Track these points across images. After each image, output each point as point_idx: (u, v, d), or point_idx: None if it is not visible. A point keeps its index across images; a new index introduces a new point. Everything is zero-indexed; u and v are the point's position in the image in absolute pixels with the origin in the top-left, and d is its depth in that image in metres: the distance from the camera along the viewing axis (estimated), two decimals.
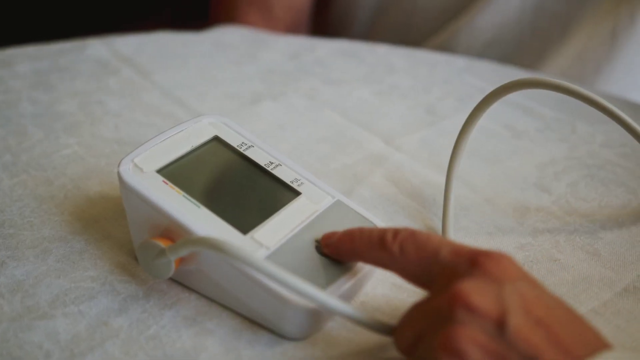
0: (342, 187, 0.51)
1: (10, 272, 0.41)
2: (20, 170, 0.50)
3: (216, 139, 0.45)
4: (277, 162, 0.44)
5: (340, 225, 0.42)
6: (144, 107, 0.60)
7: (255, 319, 0.39)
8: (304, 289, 0.35)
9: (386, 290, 0.42)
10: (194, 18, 0.97)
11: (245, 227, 0.40)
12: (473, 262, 0.34)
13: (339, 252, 0.39)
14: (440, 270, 0.35)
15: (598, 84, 0.83)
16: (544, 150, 0.57)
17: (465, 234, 0.47)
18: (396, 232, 0.37)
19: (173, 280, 0.41)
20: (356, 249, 0.38)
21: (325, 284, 0.38)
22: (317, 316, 0.38)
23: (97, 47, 0.69)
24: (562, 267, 0.45)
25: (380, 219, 0.43)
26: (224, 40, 0.73)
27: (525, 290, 0.33)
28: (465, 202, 0.50)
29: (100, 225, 0.46)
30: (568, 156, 0.56)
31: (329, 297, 0.36)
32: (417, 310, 0.35)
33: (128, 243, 0.44)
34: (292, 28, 0.84)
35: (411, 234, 0.36)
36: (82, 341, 0.37)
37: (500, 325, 0.31)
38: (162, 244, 0.39)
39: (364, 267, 0.40)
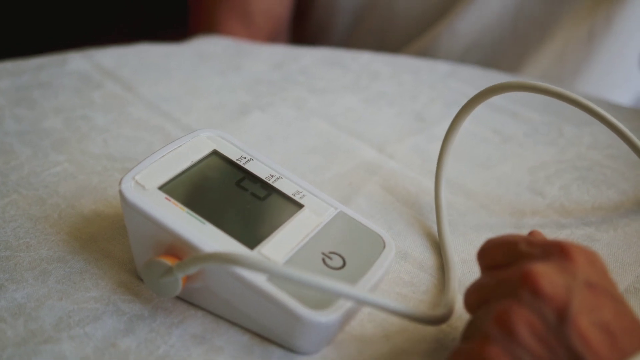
0: (338, 197, 0.51)
1: (11, 295, 0.40)
2: (11, 190, 0.49)
3: (215, 153, 0.44)
4: (277, 175, 0.44)
5: (345, 236, 0.42)
6: (131, 121, 0.59)
7: (265, 335, 0.39)
8: (335, 287, 0.35)
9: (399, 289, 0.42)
10: (171, 28, 0.96)
11: (251, 242, 0.39)
12: (564, 250, 0.34)
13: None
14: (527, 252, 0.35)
15: (577, 85, 0.84)
16: (534, 154, 0.58)
17: (463, 240, 0.48)
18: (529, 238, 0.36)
19: (178, 298, 0.41)
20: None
21: (335, 296, 0.38)
22: (328, 329, 0.38)
23: (78, 61, 0.68)
24: None
25: (384, 230, 0.43)
26: (206, 51, 0.73)
27: (600, 290, 0.32)
28: (461, 208, 0.51)
29: (99, 244, 0.45)
30: (558, 159, 0.57)
31: (365, 293, 0.36)
32: (490, 276, 0.35)
33: (129, 261, 0.44)
34: (273, 36, 0.84)
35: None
36: None
37: (560, 315, 0.31)
38: (169, 262, 0.38)
39: (373, 278, 0.40)
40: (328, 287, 0.35)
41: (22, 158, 0.53)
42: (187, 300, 0.41)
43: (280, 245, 0.40)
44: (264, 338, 0.39)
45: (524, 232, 0.48)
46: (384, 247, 0.42)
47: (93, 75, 0.65)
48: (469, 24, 0.81)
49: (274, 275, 0.35)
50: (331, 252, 0.41)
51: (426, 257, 0.46)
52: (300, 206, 0.43)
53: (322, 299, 0.37)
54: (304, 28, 0.90)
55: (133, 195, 0.40)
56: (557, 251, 0.34)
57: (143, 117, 0.59)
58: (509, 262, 0.35)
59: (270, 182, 0.44)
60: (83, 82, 0.64)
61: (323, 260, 0.40)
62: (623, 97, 0.91)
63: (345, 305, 0.38)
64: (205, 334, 0.39)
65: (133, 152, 0.54)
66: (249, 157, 0.45)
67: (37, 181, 0.50)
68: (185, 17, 0.89)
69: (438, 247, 0.47)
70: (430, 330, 0.40)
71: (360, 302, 0.36)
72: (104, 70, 0.66)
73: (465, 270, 0.45)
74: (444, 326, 0.40)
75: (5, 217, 0.47)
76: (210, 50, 0.73)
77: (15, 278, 0.42)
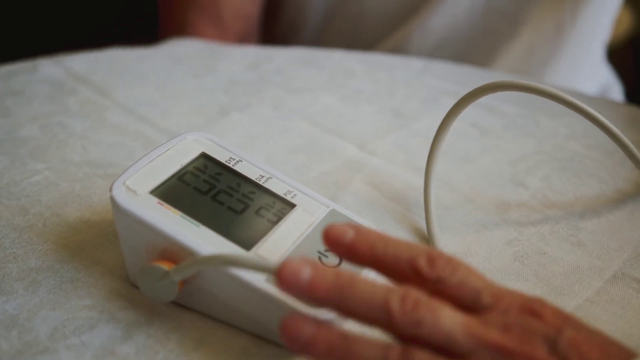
0: (325, 196, 0.50)
1: (1, 307, 0.40)
2: None
3: (204, 155, 0.44)
4: (267, 175, 0.44)
5: None
6: (110, 127, 0.58)
7: (264, 335, 0.39)
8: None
9: None
10: (140, 31, 0.95)
11: (247, 243, 0.39)
12: (526, 310, 0.33)
13: (351, 256, 0.36)
14: (481, 308, 0.33)
15: (545, 78, 0.86)
16: (513, 146, 0.59)
17: (452, 234, 0.48)
18: (431, 258, 0.34)
19: (173, 302, 0.40)
20: (377, 260, 0.35)
21: None
22: None
23: (49, 67, 0.67)
24: (552, 260, 0.46)
25: (375, 226, 0.43)
26: (179, 54, 0.72)
27: (574, 335, 0.32)
28: (447, 202, 0.51)
29: (88, 252, 0.44)
30: (537, 151, 0.58)
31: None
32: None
33: (120, 268, 0.43)
34: (243, 37, 0.83)
35: (450, 261, 0.34)
36: None
37: None
38: (165, 266, 0.38)
39: (368, 275, 0.40)
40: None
41: (0, 167, 0.52)
42: (182, 304, 0.40)
43: (276, 245, 0.40)
44: (263, 340, 0.39)
45: (512, 224, 0.49)
46: None
47: (66, 82, 0.64)
48: (440, 20, 0.82)
49: (274, 275, 0.35)
50: (327, 250, 0.40)
51: None
52: (292, 206, 0.43)
53: None
54: (274, 28, 0.90)
55: (125, 200, 0.39)
56: (517, 311, 0.33)
57: (121, 122, 0.59)
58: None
59: (261, 182, 0.43)
60: (56, 88, 0.63)
61: (320, 258, 0.40)
62: (589, 88, 0.92)
63: None
64: (203, 338, 0.39)
65: (114, 158, 0.54)
66: (237, 159, 0.44)
67: (18, 190, 0.50)
68: (153, 20, 0.88)
69: (427, 241, 0.47)
70: None
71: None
72: (77, 76, 0.65)
73: None
74: None
75: None
76: (183, 53, 0.72)
77: (5, 289, 0.41)
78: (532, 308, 0.33)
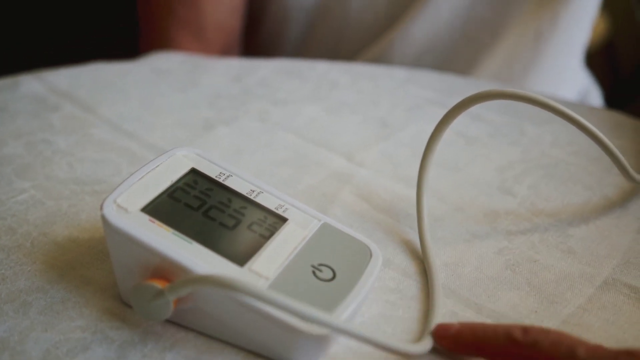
0: (314, 209, 0.50)
1: None
2: None
3: (193, 171, 0.44)
4: (258, 190, 0.44)
5: (332, 248, 0.42)
6: (95, 143, 0.58)
7: (260, 352, 0.38)
8: (334, 323, 0.35)
9: (381, 309, 0.42)
10: (119, 45, 0.95)
11: (240, 259, 0.39)
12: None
13: (457, 345, 0.39)
14: None
15: (526, 84, 0.86)
16: (499, 154, 0.59)
17: (443, 243, 0.48)
18: (524, 327, 0.37)
19: (167, 321, 0.40)
20: (479, 343, 0.38)
21: (331, 308, 0.38)
22: (325, 341, 0.38)
23: (31, 83, 0.66)
24: (543, 268, 0.46)
25: (368, 239, 0.43)
26: (162, 67, 0.72)
27: None
28: (436, 213, 0.51)
29: (78, 271, 0.44)
30: (523, 158, 0.58)
31: (358, 329, 0.36)
32: None
33: (111, 287, 0.42)
34: (225, 50, 0.83)
35: (543, 331, 0.37)
36: None
37: None
38: (159, 285, 0.37)
39: (364, 287, 0.40)
40: (321, 320, 0.35)
41: None
42: (176, 322, 0.40)
43: (270, 261, 0.40)
44: (259, 355, 0.38)
45: (502, 233, 0.49)
46: (371, 256, 0.42)
47: (49, 98, 0.64)
48: (421, 29, 0.82)
49: (268, 302, 0.35)
50: (320, 265, 0.40)
51: (408, 263, 0.46)
52: (284, 220, 0.43)
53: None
54: (255, 39, 0.90)
55: (116, 219, 0.39)
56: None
57: (107, 138, 0.58)
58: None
59: (251, 197, 0.43)
60: (39, 104, 0.63)
61: (313, 272, 0.40)
62: (569, 93, 0.93)
63: (343, 315, 0.38)
64: (199, 356, 0.38)
65: (101, 175, 0.53)
66: (227, 174, 0.44)
67: (4, 210, 0.49)
68: (133, 33, 0.87)
69: (418, 252, 0.47)
70: None
71: (352, 336, 0.36)
72: (60, 92, 0.65)
73: (448, 274, 0.45)
74: None
75: None
76: (166, 67, 0.72)
77: None
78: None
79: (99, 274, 0.43)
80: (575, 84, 0.95)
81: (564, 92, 0.91)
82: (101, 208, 0.39)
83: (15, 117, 0.60)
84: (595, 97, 0.98)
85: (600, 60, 1.70)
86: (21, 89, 0.65)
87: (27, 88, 0.65)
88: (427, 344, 0.39)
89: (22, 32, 1.31)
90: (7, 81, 0.66)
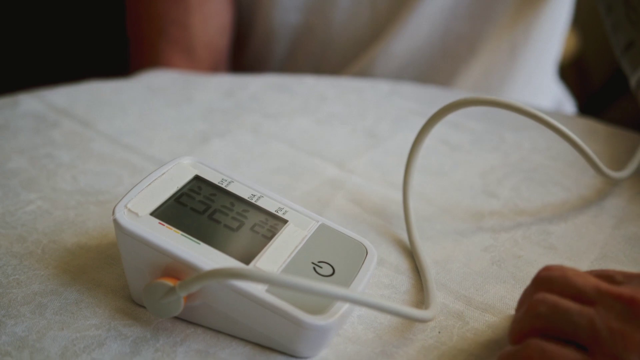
0: None
1: (10, 330, 0.41)
2: None
3: (197, 178, 0.47)
4: (259, 194, 0.47)
5: (330, 246, 0.44)
6: (96, 156, 0.60)
7: (266, 344, 0.41)
8: (336, 291, 0.38)
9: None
10: (109, 63, 0.97)
11: (246, 258, 0.42)
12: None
13: None
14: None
15: (503, 95, 0.90)
16: (482, 160, 0.62)
17: (432, 242, 0.51)
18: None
19: (177, 318, 0.43)
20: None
21: (332, 300, 0.41)
22: (327, 332, 0.40)
23: (29, 102, 0.68)
24: (527, 263, 0.49)
25: (364, 238, 0.46)
26: (155, 84, 0.74)
27: None
28: (425, 214, 0.54)
29: (89, 275, 0.46)
30: (504, 163, 0.62)
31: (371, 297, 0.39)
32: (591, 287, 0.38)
33: (121, 288, 0.45)
34: (214, 67, 0.86)
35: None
36: None
37: None
38: (170, 282, 0.40)
39: (361, 282, 0.43)
40: (329, 292, 0.37)
41: None
42: (186, 319, 0.43)
43: (273, 259, 0.42)
44: (265, 347, 0.41)
45: (487, 232, 0.52)
46: (367, 253, 0.45)
47: (48, 115, 0.66)
48: (402, 45, 0.86)
49: (276, 285, 0.37)
50: (320, 262, 0.43)
51: (401, 261, 0.49)
52: (284, 221, 0.45)
53: (319, 305, 0.40)
54: (243, 57, 0.93)
55: (128, 222, 0.41)
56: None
57: (107, 152, 0.61)
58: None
59: (253, 201, 0.46)
60: (39, 122, 0.65)
61: (314, 269, 0.43)
62: (544, 102, 0.97)
63: (341, 308, 0.40)
64: (208, 349, 0.41)
65: (104, 186, 0.56)
66: (229, 180, 0.47)
67: (14, 220, 0.51)
68: (123, 51, 0.90)
69: (409, 251, 0.50)
70: (417, 326, 0.43)
71: (367, 305, 0.39)
72: (58, 109, 0.67)
73: (438, 270, 0.48)
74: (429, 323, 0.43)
75: None
76: (159, 84, 0.75)
77: (12, 313, 0.43)
78: None
79: (109, 277, 0.46)
80: (549, 95, 0.99)
81: (539, 102, 0.95)
82: (113, 213, 0.42)
83: (17, 134, 0.63)
84: (568, 107, 1.02)
85: (573, 73, 1.76)
86: (21, 107, 0.67)
87: (27, 106, 0.68)
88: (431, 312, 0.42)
89: (16, 51, 1.33)
90: (7, 100, 0.69)
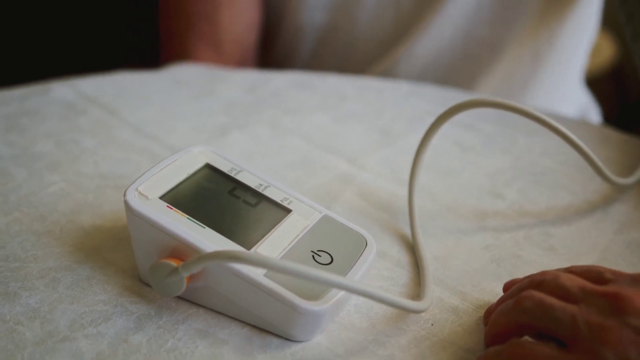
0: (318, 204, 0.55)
1: (25, 301, 0.44)
2: (12, 208, 0.53)
3: (208, 166, 0.49)
4: (266, 184, 0.49)
5: (331, 237, 0.46)
6: (118, 143, 0.63)
7: (263, 326, 0.43)
8: (335, 279, 0.39)
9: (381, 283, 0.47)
10: (140, 57, 1.00)
11: (247, 243, 0.44)
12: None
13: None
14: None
15: (525, 100, 0.91)
16: (492, 162, 0.63)
17: (435, 239, 0.52)
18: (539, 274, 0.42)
19: (180, 297, 0.45)
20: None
21: (327, 288, 0.42)
22: (321, 317, 0.42)
23: (61, 89, 0.71)
24: (525, 263, 0.50)
25: (365, 230, 0.48)
26: (181, 78, 0.77)
27: None
28: (430, 212, 0.56)
29: (102, 254, 0.48)
30: (513, 166, 0.63)
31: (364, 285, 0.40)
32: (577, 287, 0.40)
33: (131, 269, 0.47)
34: (241, 63, 0.88)
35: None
36: (107, 358, 0.40)
37: None
38: (174, 263, 0.42)
39: (358, 272, 0.44)
40: (322, 278, 0.39)
41: (19, 180, 0.56)
42: (189, 299, 0.45)
43: (274, 246, 0.44)
44: (262, 330, 0.43)
45: (489, 231, 0.53)
46: (366, 245, 0.47)
47: (77, 102, 0.69)
48: (424, 47, 0.87)
49: (273, 269, 0.39)
50: (319, 250, 0.45)
51: (402, 255, 0.51)
52: (288, 211, 0.47)
53: (314, 291, 0.42)
54: (270, 54, 0.96)
55: (137, 204, 0.44)
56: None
57: (129, 140, 0.63)
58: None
59: (260, 190, 0.48)
60: (68, 108, 0.68)
61: (313, 257, 0.44)
62: (569, 109, 0.98)
63: (335, 295, 0.42)
64: (208, 328, 0.43)
65: (124, 171, 0.58)
66: (239, 169, 0.49)
67: (36, 200, 0.54)
68: (154, 46, 0.93)
69: (411, 246, 0.52)
70: (411, 318, 0.45)
71: (359, 292, 0.40)
72: (87, 98, 0.70)
73: (438, 266, 0.50)
74: (422, 314, 0.45)
75: (11, 232, 0.50)
76: (185, 77, 0.77)
77: (27, 286, 0.45)
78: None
79: (121, 257, 0.48)
80: (574, 102, 0.99)
81: (561, 110, 0.95)
82: (124, 195, 0.44)
83: (46, 119, 0.66)
84: (594, 115, 1.03)
85: (609, 83, 1.74)
86: (52, 94, 0.70)
87: (58, 93, 0.71)
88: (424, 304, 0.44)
89: (52, 43, 1.38)
90: (40, 87, 0.72)
